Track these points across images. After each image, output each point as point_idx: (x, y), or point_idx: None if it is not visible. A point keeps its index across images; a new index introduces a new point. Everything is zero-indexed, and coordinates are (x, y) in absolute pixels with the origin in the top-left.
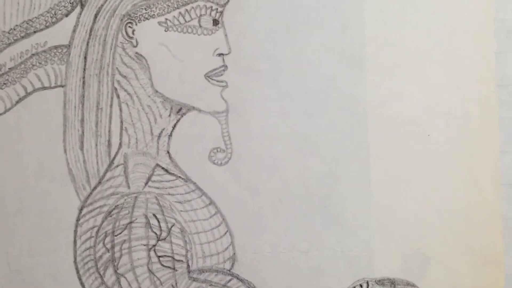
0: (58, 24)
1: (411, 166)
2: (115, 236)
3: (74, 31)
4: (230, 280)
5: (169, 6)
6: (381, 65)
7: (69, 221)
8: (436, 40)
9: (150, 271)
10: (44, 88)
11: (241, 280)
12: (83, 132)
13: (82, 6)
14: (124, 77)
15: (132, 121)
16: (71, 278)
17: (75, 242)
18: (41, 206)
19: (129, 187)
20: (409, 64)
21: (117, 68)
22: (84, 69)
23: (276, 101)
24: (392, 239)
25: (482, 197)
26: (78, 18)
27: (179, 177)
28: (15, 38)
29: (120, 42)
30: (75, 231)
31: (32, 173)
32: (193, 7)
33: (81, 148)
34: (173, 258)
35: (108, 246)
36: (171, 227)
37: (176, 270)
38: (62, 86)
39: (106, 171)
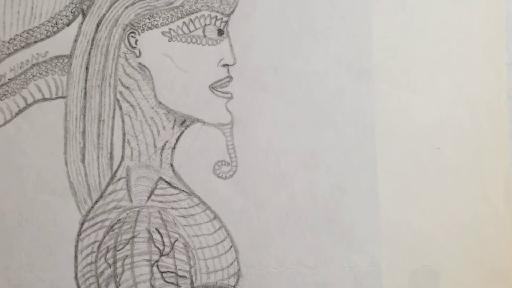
0: (59, 33)
1: (420, 180)
2: (117, 251)
3: (75, 41)
4: None
5: (173, 15)
6: (389, 76)
7: (70, 235)
8: (445, 51)
9: (152, 287)
10: (44, 99)
11: None
12: (84, 145)
13: (84, 16)
14: (127, 88)
15: (134, 133)
16: None
17: (76, 257)
18: (41, 220)
19: (131, 201)
20: (418, 75)
21: (119, 79)
22: (86, 80)
23: (282, 113)
24: (400, 254)
25: (492, 211)
26: (80, 27)
27: (183, 190)
28: (15, 48)
29: (123, 52)
30: (76, 246)
31: (32, 186)
32: (197, 17)
33: (83, 160)
34: (177, 274)
35: (110, 261)
36: (175, 242)
37: (180, 286)
38: (63, 97)
39: (108, 184)
